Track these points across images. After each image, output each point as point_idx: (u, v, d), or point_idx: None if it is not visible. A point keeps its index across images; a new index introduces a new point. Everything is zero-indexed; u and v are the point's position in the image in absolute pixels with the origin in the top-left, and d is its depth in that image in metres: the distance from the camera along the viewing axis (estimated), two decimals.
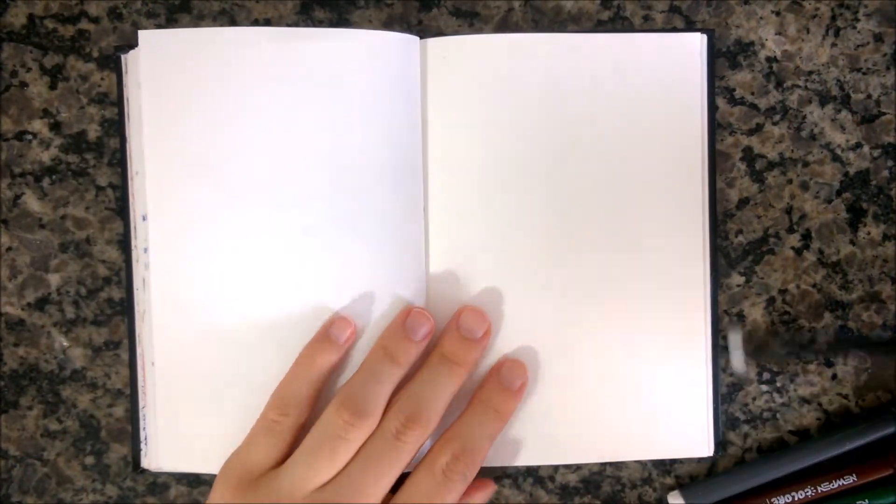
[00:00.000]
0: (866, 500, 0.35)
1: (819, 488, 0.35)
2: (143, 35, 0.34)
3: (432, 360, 0.34)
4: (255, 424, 0.34)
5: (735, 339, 0.36)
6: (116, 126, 0.36)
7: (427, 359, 0.34)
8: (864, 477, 0.35)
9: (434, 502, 0.32)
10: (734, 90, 0.37)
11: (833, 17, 0.37)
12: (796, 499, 0.35)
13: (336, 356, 0.34)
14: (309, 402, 0.33)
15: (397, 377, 0.33)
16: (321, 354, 0.34)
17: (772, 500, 0.36)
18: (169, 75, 0.34)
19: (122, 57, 0.35)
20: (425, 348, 0.34)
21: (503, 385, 0.34)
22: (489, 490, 0.34)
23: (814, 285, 0.37)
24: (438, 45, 0.35)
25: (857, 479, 0.35)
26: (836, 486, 0.35)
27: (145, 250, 0.35)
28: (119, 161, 0.36)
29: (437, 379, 0.33)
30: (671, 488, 0.37)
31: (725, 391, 0.37)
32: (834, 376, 0.37)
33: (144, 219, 0.35)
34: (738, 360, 0.36)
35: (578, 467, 0.37)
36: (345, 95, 0.34)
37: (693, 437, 0.36)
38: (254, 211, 0.35)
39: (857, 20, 0.37)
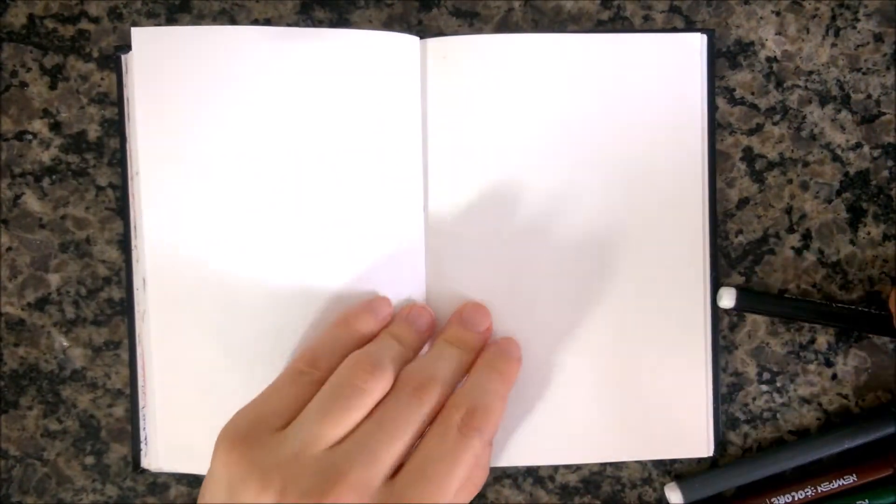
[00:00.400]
0: (866, 500, 0.35)
1: (819, 488, 0.35)
2: (136, 32, 0.34)
3: (436, 343, 0.34)
4: (277, 377, 0.32)
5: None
6: (116, 126, 0.36)
7: (430, 344, 0.34)
8: (864, 477, 0.35)
9: (451, 461, 0.29)
10: (734, 90, 0.37)
11: (833, 17, 0.37)
12: (796, 499, 0.35)
13: (372, 327, 0.33)
14: (338, 364, 0.31)
15: (401, 355, 0.32)
16: (358, 320, 0.33)
17: (772, 500, 0.36)
18: (163, 73, 0.34)
19: (123, 57, 0.35)
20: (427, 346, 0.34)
21: (503, 350, 0.34)
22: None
23: (814, 285, 0.37)
24: (438, 45, 0.35)
25: (857, 479, 0.35)
26: (836, 485, 0.35)
27: (139, 249, 0.35)
28: (119, 161, 0.36)
29: (443, 356, 0.33)
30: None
31: (725, 391, 0.37)
32: (834, 376, 0.37)
33: (141, 216, 0.35)
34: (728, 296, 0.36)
35: (578, 467, 0.37)
36: (344, 96, 0.34)
37: (693, 438, 0.36)
38: (251, 212, 0.35)
39: (857, 20, 0.37)
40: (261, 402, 0.31)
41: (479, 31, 0.37)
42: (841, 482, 0.35)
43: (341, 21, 0.36)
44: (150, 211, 0.35)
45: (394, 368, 0.31)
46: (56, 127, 0.36)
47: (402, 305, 0.35)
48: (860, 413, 0.37)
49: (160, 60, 0.34)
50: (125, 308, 0.36)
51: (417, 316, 0.34)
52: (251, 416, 0.30)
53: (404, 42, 0.35)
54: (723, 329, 0.37)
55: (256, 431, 0.29)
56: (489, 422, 0.31)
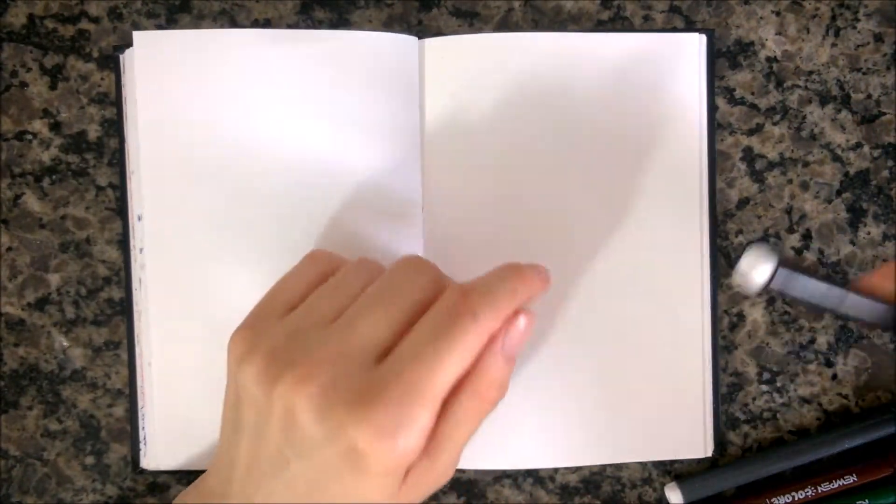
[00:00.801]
0: (866, 501, 0.35)
1: (819, 488, 0.35)
2: (138, 36, 0.34)
3: None
4: (289, 270, 0.31)
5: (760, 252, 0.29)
6: (116, 126, 0.36)
7: None
8: (864, 477, 0.35)
9: (436, 343, 0.26)
10: (734, 90, 0.37)
11: (833, 17, 0.37)
12: (796, 499, 0.35)
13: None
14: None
15: None
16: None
17: (772, 500, 0.36)
18: (165, 77, 0.34)
19: (121, 56, 0.35)
20: None
21: (529, 263, 0.30)
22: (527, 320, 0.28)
23: None
24: (438, 45, 0.35)
25: (857, 479, 0.35)
26: (836, 486, 0.35)
27: (141, 250, 0.35)
28: (119, 161, 0.36)
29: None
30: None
31: (725, 391, 0.37)
32: (834, 376, 0.37)
33: (140, 219, 0.35)
34: (755, 272, 0.29)
35: (578, 467, 0.37)
36: (343, 97, 0.34)
37: (693, 438, 0.36)
38: (250, 212, 0.35)
39: (857, 20, 0.37)
40: (269, 294, 0.31)
41: (479, 31, 0.37)
42: (841, 482, 0.35)
43: (341, 21, 0.36)
44: (150, 212, 0.35)
45: None
46: (56, 127, 0.36)
47: None
48: (860, 413, 0.37)
49: (162, 64, 0.34)
50: (125, 308, 0.36)
51: None
52: (259, 306, 0.30)
53: (404, 42, 0.35)
54: (723, 329, 0.37)
55: (262, 317, 0.29)
56: (489, 306, 0.27)
